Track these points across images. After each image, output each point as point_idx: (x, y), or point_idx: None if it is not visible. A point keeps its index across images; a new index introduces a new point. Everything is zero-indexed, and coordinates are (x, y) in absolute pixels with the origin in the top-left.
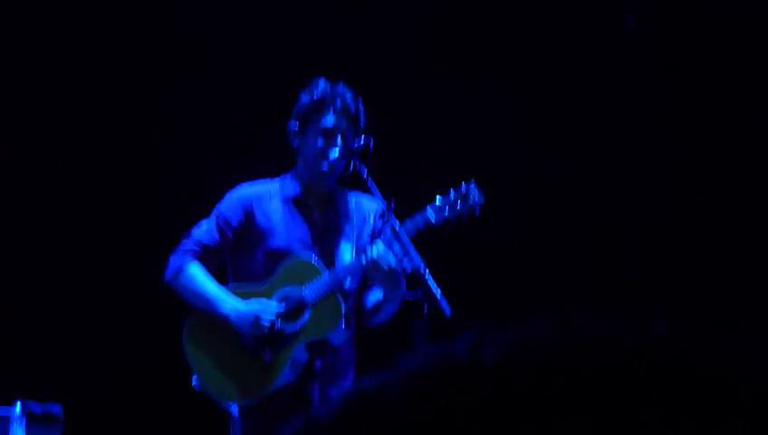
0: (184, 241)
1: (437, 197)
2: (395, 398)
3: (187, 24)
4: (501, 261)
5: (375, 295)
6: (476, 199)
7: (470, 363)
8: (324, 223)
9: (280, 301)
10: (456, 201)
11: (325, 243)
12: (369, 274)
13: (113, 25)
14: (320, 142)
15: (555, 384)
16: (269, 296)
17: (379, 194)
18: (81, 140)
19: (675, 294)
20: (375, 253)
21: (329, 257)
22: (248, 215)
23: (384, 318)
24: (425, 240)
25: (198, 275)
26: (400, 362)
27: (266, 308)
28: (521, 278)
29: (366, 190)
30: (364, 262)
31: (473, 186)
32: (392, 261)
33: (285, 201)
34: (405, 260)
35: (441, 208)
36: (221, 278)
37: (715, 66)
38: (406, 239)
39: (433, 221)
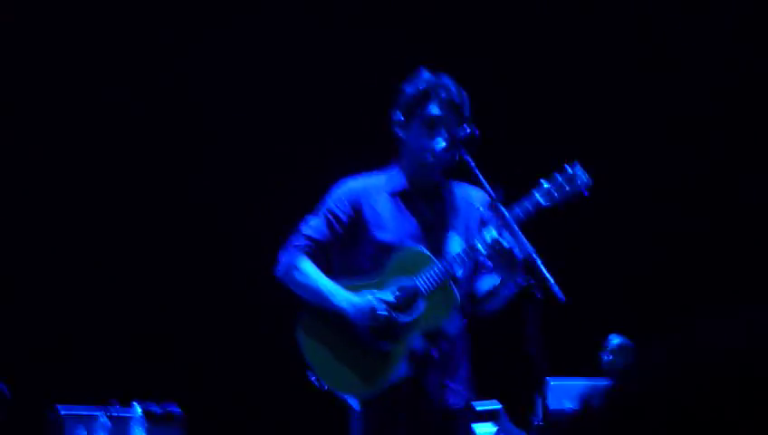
0: (293, 237)
1: (542, 181)
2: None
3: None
4: (610, 245)
5: (488, 282)
6: (584, 180)
7: None
8: (432, 215)
9: (394, 292)
10: (562, 184)
11: (434, 235)
12: (488, 258)
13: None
14: (424, 133)
15: None
16: (382, 288)
17: (486, 183)
18: (189, 141)
19: None
20: (489, 237)
21: (438, 249)
22: (356, 209)
23: (499, 304)
24: (534, 227)
25: (310, 270)
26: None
27: (381, 299)
28: (633, 261)
29: (473, 180)
30: (482, 247)
31: (578, 167)
32: (506, 244)
33: (392, 194)
34: (515, 247)
35: (548, 192)
36: (328, 275)
37: None
38: (515, 226)
39: (542, 204)
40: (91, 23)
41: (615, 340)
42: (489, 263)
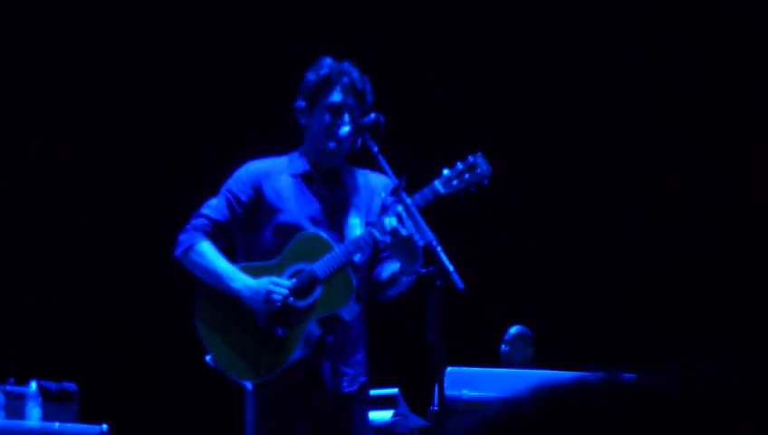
0: (193, 218)
1: (444, 169)
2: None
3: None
4: (512, 235)
5: (390, 268)
6: (485, 170)
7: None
8: (333, 198)
9: (291, 276)
10: (463, 172)
11: (334, 218)
12: (386, 247)
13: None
14: (327, 119)
15: None
16: (280, 272)
17: (390, 170)
18: (97, 125)
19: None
20: (387, 224)
21: (338, 233)
22: (257, 191)
23: (399, 290)
24: (436, 214)
25: (209, 252)
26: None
27: (278, 283)
28: (532, 251)
29: (376, 166)
30: (379, 235)
31: (480, 157)
32: (405, 232)
33: (294, 177)
34: (417, 235)
35: (449, 180)
36: (230, 257)
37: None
38: (417, 214)
39: (441, 193)
40: None
41: (513, 329)
42: (387, 250)
